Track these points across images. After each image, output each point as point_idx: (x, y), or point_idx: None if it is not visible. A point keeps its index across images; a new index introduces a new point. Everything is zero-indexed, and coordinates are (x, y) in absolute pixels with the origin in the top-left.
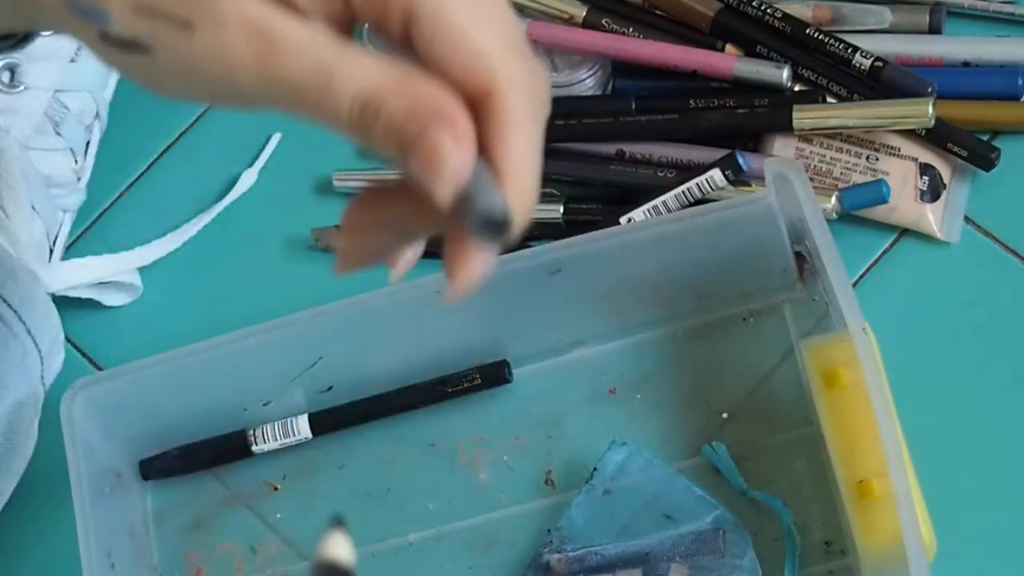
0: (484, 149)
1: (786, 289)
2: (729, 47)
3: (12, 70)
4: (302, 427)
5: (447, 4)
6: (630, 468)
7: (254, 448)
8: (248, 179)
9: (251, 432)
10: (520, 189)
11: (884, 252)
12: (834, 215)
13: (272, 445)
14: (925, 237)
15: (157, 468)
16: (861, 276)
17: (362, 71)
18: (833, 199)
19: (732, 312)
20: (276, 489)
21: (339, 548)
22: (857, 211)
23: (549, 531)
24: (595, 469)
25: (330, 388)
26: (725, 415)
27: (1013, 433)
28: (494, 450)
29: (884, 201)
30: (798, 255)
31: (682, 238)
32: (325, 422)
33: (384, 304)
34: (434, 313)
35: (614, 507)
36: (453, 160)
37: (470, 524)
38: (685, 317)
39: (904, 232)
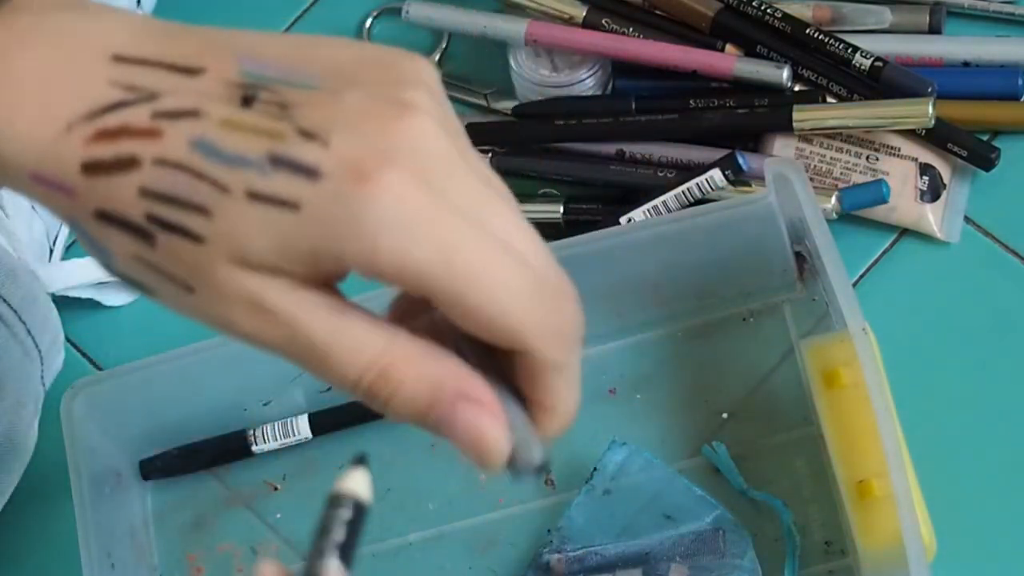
0: (522, 389)
1: (786, 289)
2: (729, 47)
3: None
4: (302, 427)
5: (467, 291)
6: (630, 468)
7: (254, 448)
8: None
9: (251, 432)
10: (561, 422)
11: (884, 252)
12: (834, 215)
13: (272, 445)
14: (925, 237)
15: (157, 468)
16: (861, 276)
17: (365, 345)
18: (833, 199)
19: (732, 312)
20: (276, 489)
21: (357, 482)
22: (857, 211)
23: (549, 531)
24: (595, 469)
25: (329, 388)
26: (725, 415)
27: (1013, 433)
28: None
29: (884, 201)
30: (798, 255)
31: (682, 238)
32: (325, 422)
33: (385, 304)
34: None
35: (614, 507)
36: (495, 438)
37: (470, 524)
38: (685, 317)
39: (904, 232)
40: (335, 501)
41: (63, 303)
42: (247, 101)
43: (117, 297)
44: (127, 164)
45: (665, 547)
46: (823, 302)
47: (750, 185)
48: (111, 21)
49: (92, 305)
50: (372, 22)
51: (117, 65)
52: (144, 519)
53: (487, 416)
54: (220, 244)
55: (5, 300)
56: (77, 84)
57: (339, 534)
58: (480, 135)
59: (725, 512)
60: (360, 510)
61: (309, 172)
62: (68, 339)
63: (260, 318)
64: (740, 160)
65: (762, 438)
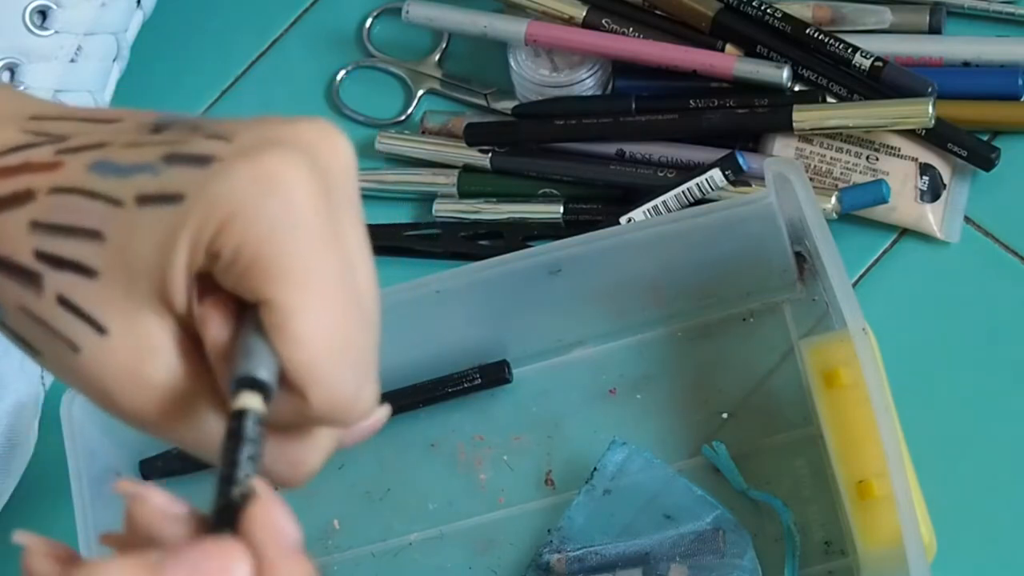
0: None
1: (786, 289)
2: (729, 47)
3: (12, 70)
4: None
5: (298, 311)
6: (630, 468)
7: None
8: None
9: None
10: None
11: (884, 252)
12: (834, 215)
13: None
14: (925, 237)
15: (158, 468)
16: (861, 276)
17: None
18: (833, 199)
19: (732, 312)
20: (275, 489)
21: (251, 399)
22: (857, 211)
23: (549, 531)
24: (595, 469)
25: None
26: (725, 415)
27: (1013, 433)
28: (494, 450)
29: (884, 201)
30: (798, 255)
31: (682, 238)
32: None
33: (384, 304)
34: (434, 313)
35: (614, 507)
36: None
37: (470, 524)
38: (685, 317)
39: (904, 232)
40: (238, 416)
41: None
42: (157, 129)
43: None
44: (22, 198)
45: (665, 547)
46: (823, 302)
47: (750, 185)
48: (36, 98)
49: None
50: (372, 22)
51: (34, 121)
52: None
53: None
54: (114, 270)
55: None
56: None
57: (251, 449)
58: (480, 135)
59: (725, 512)
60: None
61: (202, 160)
62: None
63: (147, 359)
64: (740, 160)
65: (762, 438)
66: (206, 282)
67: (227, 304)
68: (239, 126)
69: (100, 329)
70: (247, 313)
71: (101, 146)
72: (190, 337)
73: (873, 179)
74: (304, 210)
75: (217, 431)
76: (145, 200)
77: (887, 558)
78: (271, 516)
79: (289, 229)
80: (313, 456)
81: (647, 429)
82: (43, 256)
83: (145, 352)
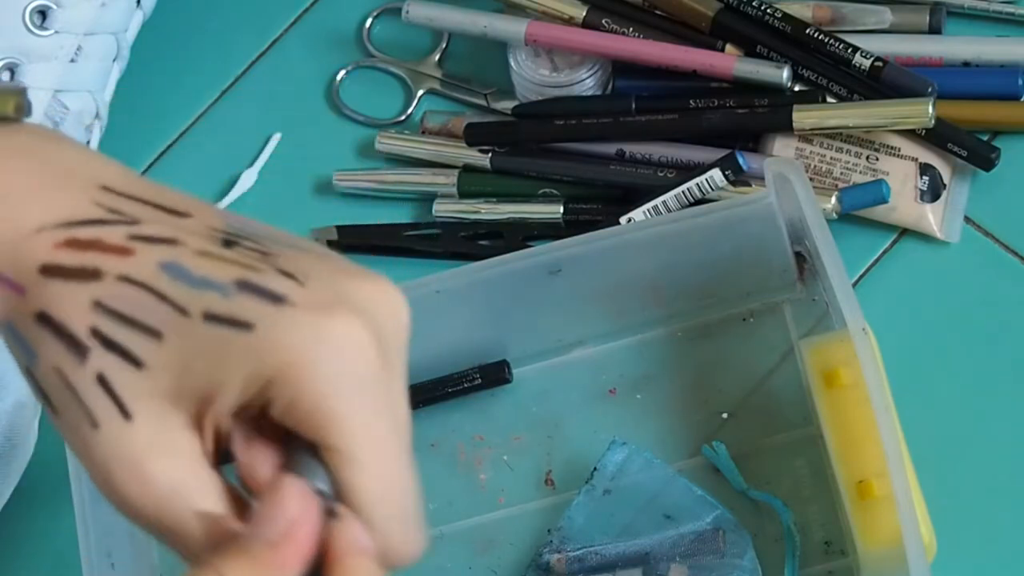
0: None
1: (786, 289)
2: (729, 47)
3: (12, 70)
4: None
5: (362, 470)
6: (630, 468)
7: None
8: (248, 179)
9: None
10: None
11: (884, 252)
12: (834, 215)
13: None
14: (925, 237)
15: None
16: (861, 276)
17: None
18: (833, 199)
19: (732, 312)
20: None
21: None
22: (857, 211)
23: (549, 531)
24: (595, 469)
25: None
26: (725, 415)
27: (1013, 433)
28: (494, 450)
29: (884, 201)
30: (798, 255)
31: (682, 238)
32: None
33: None
34: (434, 313)
35: (614, 507)
36: None
37: (470, 524)
38: (685, 317)
39: (904, 232)
40: None
41: None
42: (228, 244)
43: None
44: (89, 275)
45: (665, 547)
46: (823, 302)
47: (750, 185)
48: (103, 160)
49: None
50: (372, 22)
51: (104, 192)
52: None
53: None
54: (162, 370)
55: None
56: (59, 197)
57: None
58: (480, 135)
59: (725, 512)
60: None
61: (275, 298)
62: None
63: (143, 480)
64: (740, 160)
65: (762, 438)
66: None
67: (271, 438)
68: (311, 268)
69: (126, 414)
70: (296, 440)
71: (172, 243)
72: (207, 455)
73: (873, 179)
74: (366, 375)
75: (196, 546)
76: (213, 319)
77: (887, 558)
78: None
79: (352, 392)
80: None
81: (647, 429)
82: (97, 334)
83: (161, 449)
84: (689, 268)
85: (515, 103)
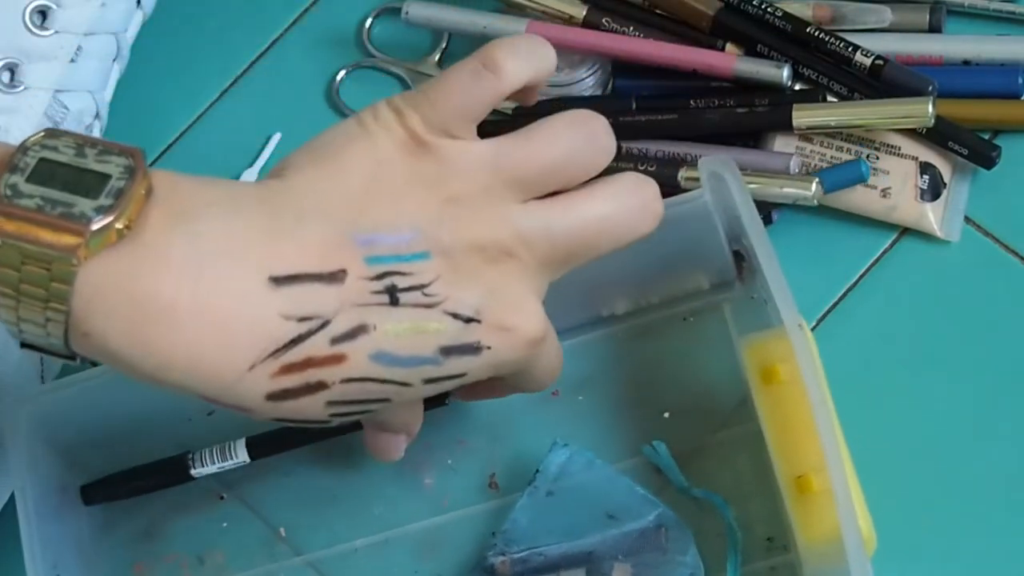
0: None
1: (725, 288)
2: (729, 46)
3: (12, 70)
4: (239, 451)
5: (542, 378)
6: (572, 469)
7: (193, 472)
8: (248, 179)
9: (190, 456)
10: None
11: (885, 252)
12: (815, 202)
13: (211, 468)
14: (926, 236)
15: (100, 494)
16: (861, 276)
17: None
18: (814, 185)
19: (672, 312)
20: (222, 498)
21: None
22: (856, 210)
23: (494, 534)
24: (537, 471)
25: None
26: (667, 414)
27: (1013, 434)
28: (438, 454)
29: (864, 179)
30: (736, 253)
31: None
32: (263, 446)
33: None
34: None
35: (557, 508)
36: (400, 453)
37: (415, 528)
38: (625, 318)
39: (905, 231)
40: None
41: None
42: (393, 299)
43: None
44: (315, 388)
45: (608, 546)
46: (762, 299)
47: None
48: (241, 226)
49: None
50: (372, 22)
51: (277, 290)
52: (91, 530)
53: None
54: (395, 415)
55: None
56: (251, 324)
57: None
58: (479, 136)
59: (667, 510)
60: None
61: (475, 349)
62: None
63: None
64: None
65: (704, 436)
66: None
67: None
68: (464, 296)
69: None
70: None
71: (365, 330)
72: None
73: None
74: (549, 351)
75: None
76: (431, 381)
77: (828, 552)
78: None
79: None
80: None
81: (590, 430)
82: (336, 414)
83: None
84: (627, 269)
85: (515, 103)
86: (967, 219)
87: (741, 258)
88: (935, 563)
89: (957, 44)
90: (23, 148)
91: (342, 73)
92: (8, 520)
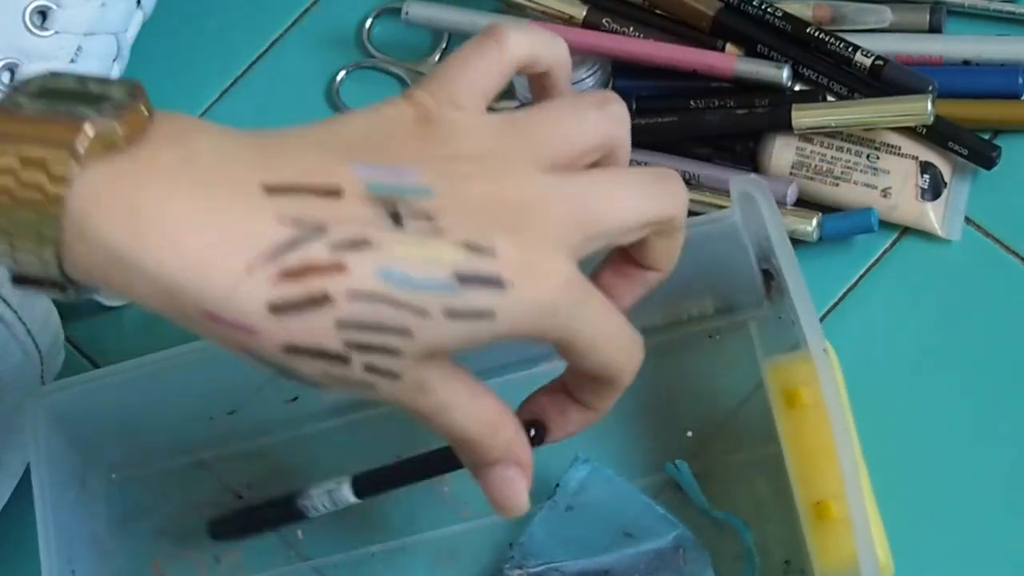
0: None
1: (753, 307)
2: (729, 47)
3: (12, 70)
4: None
5: (595, 347)
6: (592, 485)
7: (310, 514)
8: None
9: (302, 504)
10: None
11: (885, 251)
12: (814, 238)
13: (323, 511)
14: (926, 235)
15: (226, 531)
16: (862, 276)
17: (499, 430)
18: (814, 222)
19: (698, 329)
20: (241, 498)
21: None
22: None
23: (511, 545)
24: (557, 485)
25: (295, 399)
26: (689, 433)
27: (1004, 438)
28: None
29: (872, 230)
30: (765, 272)
31: None
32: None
33: None
34: None
35: (576, 523)
36: (523, 499)
37: (433, 536)
38: (651, 334)
39: (905, 231)
40: None
41: (63, 303)
42: (396, 219)
43: (117, 297)
44: (319, 301)
45: (625, 565)
46: (789, 320)
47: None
48: (233, 141)
49: (92, 305)
50: (372, 22)
51: (272, 197)
52: (108, 527)
53: (524, 481)
54: (416, 354)
55: (5, 300)
56: (246, 225)
57: None
58: None
59: (686, 531)
60: None
61: (495, 283)
62: (68, 339)
63: (419, 396)
64: None
65: (725, 456)
66: None
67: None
68: (476, 227)
69: (395, 376)
70: None
71: (368, 243)
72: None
73: (863, 208)
74: (588, 300)
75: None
76: (455, 314)
77: None
78: None
79: (584, 326)
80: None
81: (611, 446)
82: (352, 344)
83: (430, 389)
84: None
85: (515, 103)
86: (967, 219)
87: (770, 277)
88: None
89: (957, 44)
90: (26, 80)
91: (342, 73)
92: (24, 515)
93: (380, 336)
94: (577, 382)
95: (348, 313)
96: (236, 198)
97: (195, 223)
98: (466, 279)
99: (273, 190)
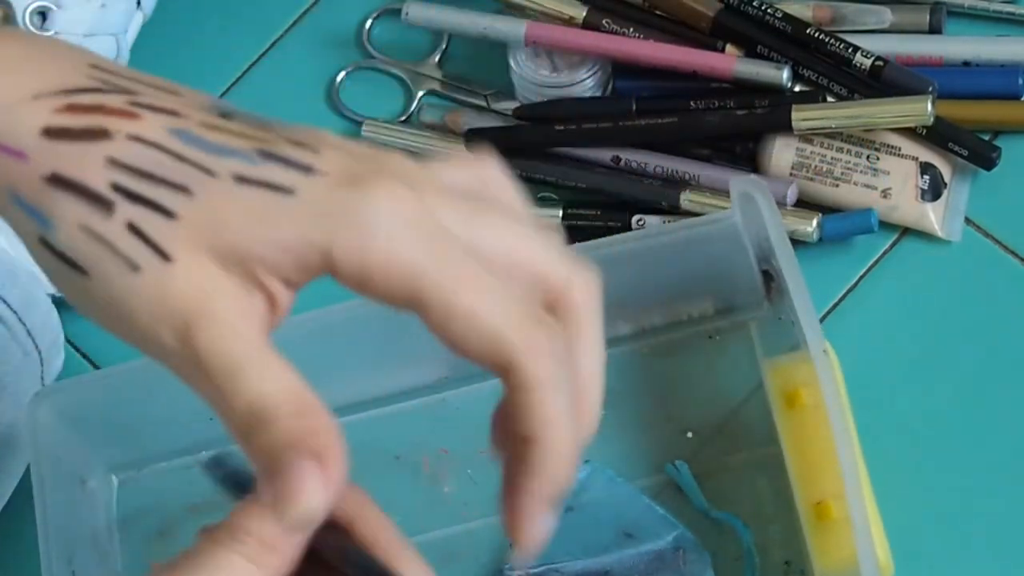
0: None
1: (753, 307)
2: (729, 47)
3: None
4: None
5: (455, 292)
6: (593, 485)
7: None
8: None
9: None
10: (553, 459)
11: (885, 252)
12: (814, 238)
13: None
14: (926, 236)
15: None
16: (862, 276)
17: (268, 379)
18: (814, 223)
19: (698, 330)
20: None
21: None
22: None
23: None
24: None
25: None
26: (690, 434)
27: (1001, 439)
28: (459, 463)
29: (872, 231)
30: (765, 273)
31: (648, 255)
32: None
33: (356, 315)
34: (401, 325)
35: (576, 524)
36: (311, 503)
37: (433, 537)
38: (651, 334)
39: (905, 231)
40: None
41: (63, 303)
42: (226, 116)
43: None
44: (96, 135)
45: (625, 565)
46: (789, 321)
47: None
48: (90, 50)
49: None
50: (372, 23)
51: (95, 69)
52: (107, 528)
53: (320, 481)
54: (197, 222)
55: (5, 301)
56: (52, 69)
57: None
58: (478, 140)
59: (686, 531)
60: None
61: (303, 168)
62: (68, 339)
63: (195, 317)
64: None
65: (725, 457)
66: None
67: None
68: (317, 137)
69: (165, 256)
70: None
71: (175, 114)
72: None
73: (863, 208)
74: (427, 221)
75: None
76: (245, 181)
77: None
78: None
79: (419, 240)
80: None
81: (612, 446)
82: (119, 188)
83: (207, 292)
84: (655, 286)
85: (515, 104)
86: (967, 220)
87: (770, 278)
88: None
89: (957, 45)
90: None
91: (342, 74)
92: (24, 515)
93: (154, 188)
94: (503, 405)
95: (122, 152)
96: (58, 58)
97: (7, 61)
98: (269, 156)
99: (102, 69)
